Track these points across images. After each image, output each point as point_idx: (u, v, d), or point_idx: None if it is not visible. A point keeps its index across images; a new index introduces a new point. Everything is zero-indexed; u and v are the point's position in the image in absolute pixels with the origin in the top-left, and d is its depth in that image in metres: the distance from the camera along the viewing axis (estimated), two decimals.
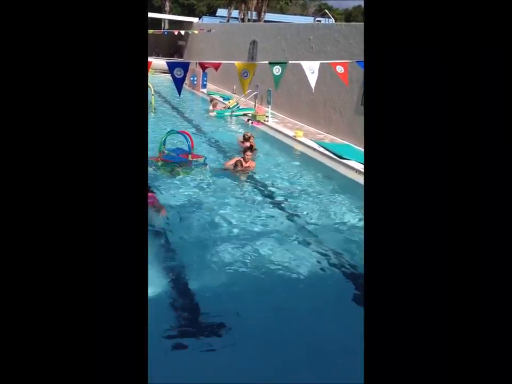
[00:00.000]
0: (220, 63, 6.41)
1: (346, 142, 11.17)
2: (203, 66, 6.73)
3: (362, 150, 10.22)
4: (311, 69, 6.69)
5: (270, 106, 13.40)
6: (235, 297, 4.37)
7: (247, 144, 10.32)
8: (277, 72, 6.49)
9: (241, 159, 8.09)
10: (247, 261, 5.03)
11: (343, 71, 6.84)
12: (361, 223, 6.52)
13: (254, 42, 17.04)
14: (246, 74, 6.16)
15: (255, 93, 14.13)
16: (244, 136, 10.54)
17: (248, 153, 8.12)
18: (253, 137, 10.60)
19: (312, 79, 6.70)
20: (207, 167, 8.29)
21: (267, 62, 6.85)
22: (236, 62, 6.26)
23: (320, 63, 6.91)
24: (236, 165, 8.07)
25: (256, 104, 14.25)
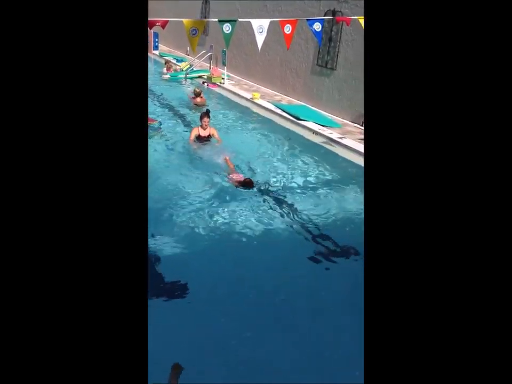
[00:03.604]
0: (167, 20, 6.16)
1: (303, 103, 11.18)
2: (150, 24, 6.45)
3: (319, 110, 10.25)
4: (260, 27, 6.61)
5: (225, 67, 13.14)
6: (196, 260, 4.41)
7: (198, 100, 10.37)
8: (227, 31, 6.33)
9: (199, 128, 7.48)
10: (209, 226, 5.06)
11: (290, 32, 6.78)
12: (321, 181, 6.64)
13: (206, 2, 16.46)
14: (195, 32, 5.94)
15: (210, 53, 13.77)
16: (194, 92, 10.59)
17: (205, 119, 7.38)
18: (202, 91, 10.70)
19: (260, 39, 6.64)
20: (161, 131, 8.11)
21: (216, 19, 6.67)
22: (184, 20, 6.03)
23: (271, 21, 6.79)
24: (196, 137, 7.44)
25: (211, 66, 13.93)
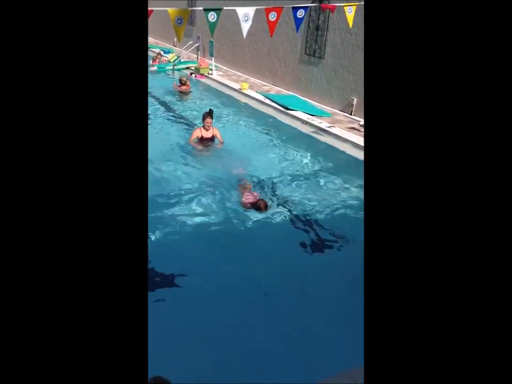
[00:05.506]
0: (151, 10, 6.10)
1: (291, 93, 11.16)
2: None
3: (308, 100, 10.20)
4: (245, 16, 6.62)
5: (213, 58, 13.05)
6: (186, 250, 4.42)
7: (183, 88, 10.84)
8: (212, 19, 6.33)
9: (201, 129, 7.12)
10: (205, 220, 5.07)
11: (274, 19, 6.79)
12: (311, 171, 6.66)
13: None
14: (180, 21, 5.89)
15: (197, 44, 13.66)
16: (180, 81, 11.03)
17: (208, 119, 7.01)
18: (189, 80, 11.23)
19: (245, 27, 6.65)
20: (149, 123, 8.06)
21: (201, 8, 6.65)
22: (168, 9, 5.97)
23: (257, 9, 6.78)
24: (199, 139, 7.08)
25: (199, 57, 13.82)
